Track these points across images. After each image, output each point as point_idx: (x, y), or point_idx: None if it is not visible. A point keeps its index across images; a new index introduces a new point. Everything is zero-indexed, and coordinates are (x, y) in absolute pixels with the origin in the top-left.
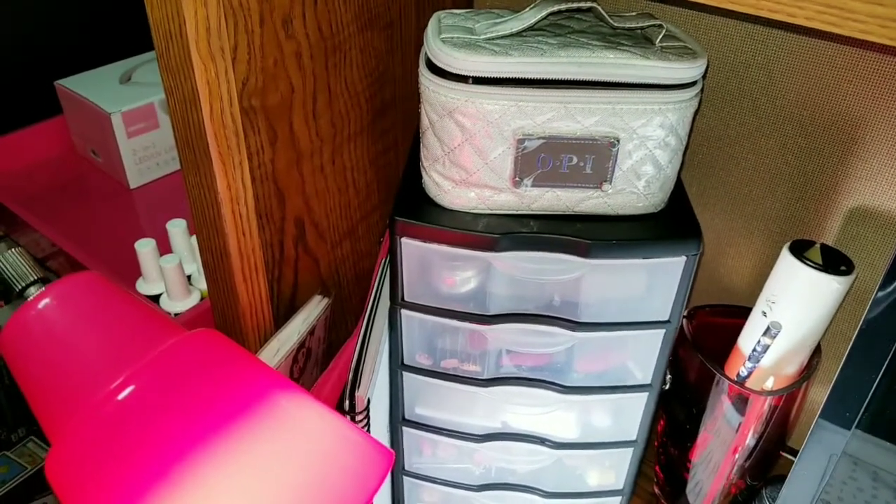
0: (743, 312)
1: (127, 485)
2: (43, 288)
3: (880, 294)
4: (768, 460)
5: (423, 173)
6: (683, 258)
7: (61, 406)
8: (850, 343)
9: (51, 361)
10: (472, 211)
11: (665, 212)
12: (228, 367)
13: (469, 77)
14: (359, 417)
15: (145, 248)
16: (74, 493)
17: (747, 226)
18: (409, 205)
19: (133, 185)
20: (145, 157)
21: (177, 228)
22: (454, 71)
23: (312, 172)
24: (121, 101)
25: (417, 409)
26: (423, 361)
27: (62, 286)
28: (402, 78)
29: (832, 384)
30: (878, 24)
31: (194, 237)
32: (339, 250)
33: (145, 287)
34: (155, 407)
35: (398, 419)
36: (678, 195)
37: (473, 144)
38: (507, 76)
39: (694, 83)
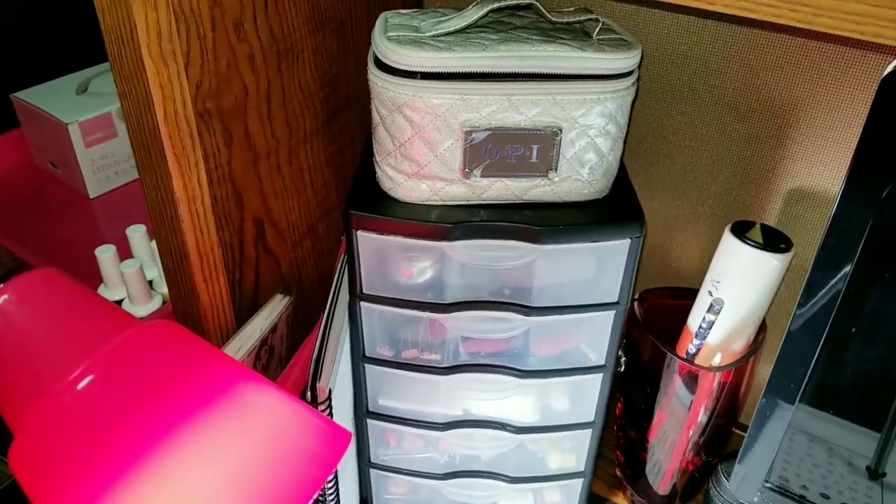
0: (691, 294)
1: (91, 473)
2: (0, 285)
3: (815, 271)
4: (722, 436)
5: (377, 167)
6: (628, 240)
7: (22, 398)
8: (790, 319)
9: (11, 355)
10: (424, 203)
11: (609, 198)
12: (186, 355)
13: (416, 73)
14: (321, 408)
15: (105, 254)
16: (38, 482)
17: (693, 211)
18: (364, 198)
19: (93, 194)
20: (104, 166)
21: (137, 234)
22: (401, 67)
23: (270, 173)
24: (78, 112)
25: (381, 400)
26: (385, 353)
27: (20, 283)
28: (356, 78)
29: (775, 359)
30: (787, 8)
31: (154, 242)
32: (300, 249)
33: (107, 293)
34: (115, 395)
35: (362, 411)
36: (621, 182)
37: (423, 138)
38: (452, 71)
39: (630, 73)
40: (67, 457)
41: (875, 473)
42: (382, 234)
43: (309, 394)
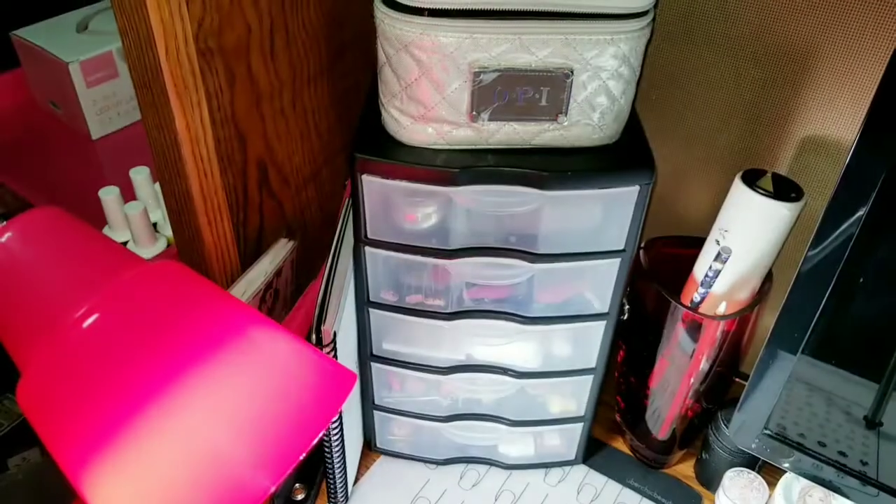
0: (698, 243)
1: (99, 411)
2: (4, 223)
3: (825, 220)
4: (723, 385)
5: (382, 109)
6: (637, 188)
7: (28, 336)
8: (797, 269)
9: (15, 292)
10: (431, 147)
11: (619, 143)
12: (192, 295)
13: (424, 9)
14: (326, 350)
15: (109, 195)
16: (46, 420)
17: (703, 159)
18: (370, 142)
19: (95, 135)
20: (106, 106)
21: (140, 175)
22: (408, 3)
23: (273, 115)
24: (78, 51)
25: (385, 344)
26: (389, 298)
27: (24, 220)
28: (361, 18)
29: (780, 309)
30: None
31: (158, 184)
32: (304, 194)
33: (111, 235)
34: (121, 334)
35: (366, 355)
36: (633, 127)
37: (430, 78)
38: (461, 7)
39: (645, 13)
40: (76, 394)
41: (872, 423)
42: (388, 179)
43: (314, 336)
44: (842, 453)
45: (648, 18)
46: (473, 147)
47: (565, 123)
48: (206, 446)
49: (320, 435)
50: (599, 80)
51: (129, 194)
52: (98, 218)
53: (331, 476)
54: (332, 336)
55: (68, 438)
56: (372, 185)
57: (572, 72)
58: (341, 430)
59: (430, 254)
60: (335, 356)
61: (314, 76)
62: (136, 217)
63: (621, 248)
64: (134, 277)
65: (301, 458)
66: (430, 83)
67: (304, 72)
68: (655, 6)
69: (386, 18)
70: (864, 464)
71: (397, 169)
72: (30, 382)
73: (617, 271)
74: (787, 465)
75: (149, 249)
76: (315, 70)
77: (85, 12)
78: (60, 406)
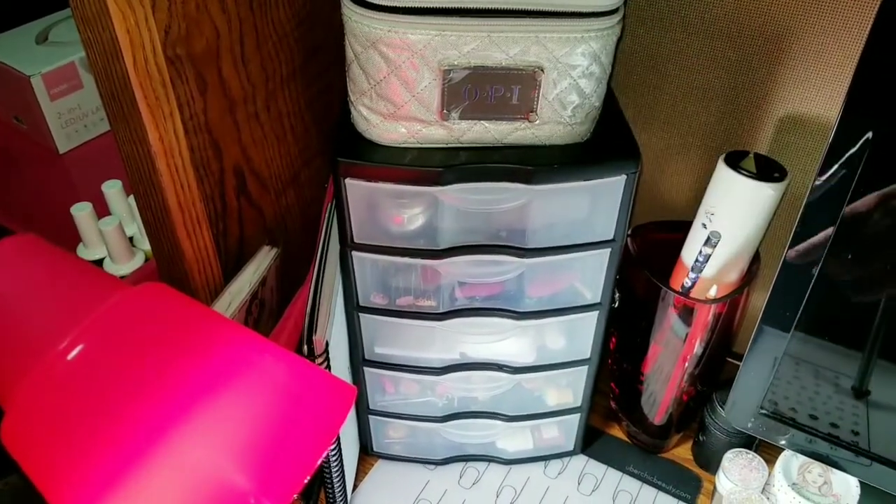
0: (684, 227)
1: (92, 445)
2: None
3: (811, 199)
4: (716, 366)
5: (351, 107)
6: (623, 177)
7: (10, 372)
8: (786, 248)
9: None
10: (401, 145)
11: (603, 133)
12: (179, 317)
13: (391, 7)
14: (319, 360)
15: (82, 211)
16: (35, 457)
17: (684, 142)
18: (351, 145)
19: (62, 149)
20: (71, 119)
21: (113, 189)
22: (375, 0)
23: (247, 120)
24: (39, 63)
25: (377, 348)
26: (379, 301)
27: None
28: (331, 16)
29: (770, 289)
30: None
31: (132, 197)
32: (284, 199)
33: (86, 252)
34: (109, 364)
35: (359, 360)
36: (615, 116)
37: (399, 76)
38: (430, 5)
39: (615, 10)
40: (66, 431)
41: (860, 392)
42: (372, 181)
43: (305, 347)
44: (833, 425)
45: (618, 16)
46: (445, 146)
47: (536, 122)
48: (209, 478)
49: (324, 454)
50: (570, 79)
51: (101, 208)
52: (71, 235)
53: (329, 485)
54: (324, 346)
55: (63, 480)
56: (356, 189)
57: (542, 70)
58: (338, 438)
59: (419, 255)
60: (328, 366)
61: (287, 78)
62: (111, 232)
63: (610, 237)
64: (117, 303)
65: (306, 480)
66: (400, 81)
67: (276, 74)
68: (625, 4)
69: (353, 15)
70: (856, 434)
71: (381, 171)
72: (15, 420)
73: (607, 261)
74: (783, 442)
75: (127, 265)
76: (288, 72)
77: (44, 23)
78: (51, 444)
